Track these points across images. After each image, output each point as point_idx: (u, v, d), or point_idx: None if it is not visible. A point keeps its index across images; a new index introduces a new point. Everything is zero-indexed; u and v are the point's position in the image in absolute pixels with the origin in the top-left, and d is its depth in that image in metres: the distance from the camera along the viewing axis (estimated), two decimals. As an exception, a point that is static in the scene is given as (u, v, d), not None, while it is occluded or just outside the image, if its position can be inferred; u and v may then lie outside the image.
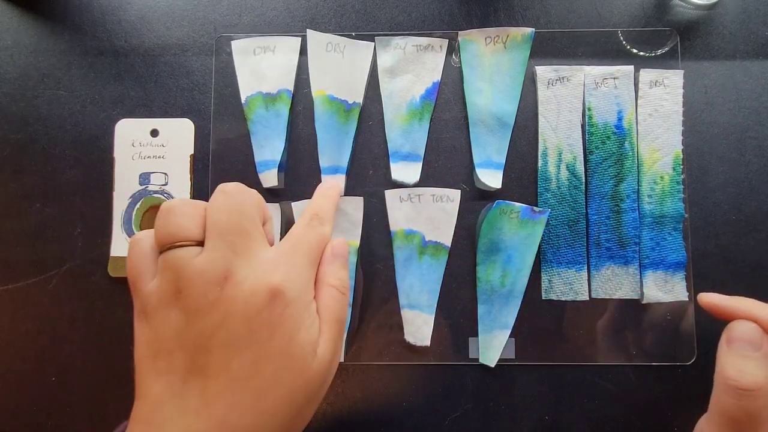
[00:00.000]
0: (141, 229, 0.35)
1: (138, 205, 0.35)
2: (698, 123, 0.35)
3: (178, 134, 0.36)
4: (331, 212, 0.29)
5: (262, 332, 0.22)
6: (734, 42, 0.36)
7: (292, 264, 0.24)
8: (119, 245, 0.35)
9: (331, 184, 0.33)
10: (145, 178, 0.36)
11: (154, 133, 0.36)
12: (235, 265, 0.23)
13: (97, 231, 0.35)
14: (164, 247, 0.23)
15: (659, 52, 0.35)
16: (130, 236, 0.35)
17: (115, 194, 0.35)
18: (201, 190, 0.35)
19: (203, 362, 0.22)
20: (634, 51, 0.35)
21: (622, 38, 0.35)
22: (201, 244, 0.23)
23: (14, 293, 0.35)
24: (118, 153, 0.36)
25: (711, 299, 0.29)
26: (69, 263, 0.35)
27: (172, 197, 0.35)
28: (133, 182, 0.35)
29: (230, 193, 0.24)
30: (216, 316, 0.22)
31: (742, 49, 0.36)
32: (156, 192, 0.35)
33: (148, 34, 0.37)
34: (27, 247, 0.35)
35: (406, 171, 0.35)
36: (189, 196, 0.35)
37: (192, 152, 0.36)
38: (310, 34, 0.35)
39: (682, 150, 0.34)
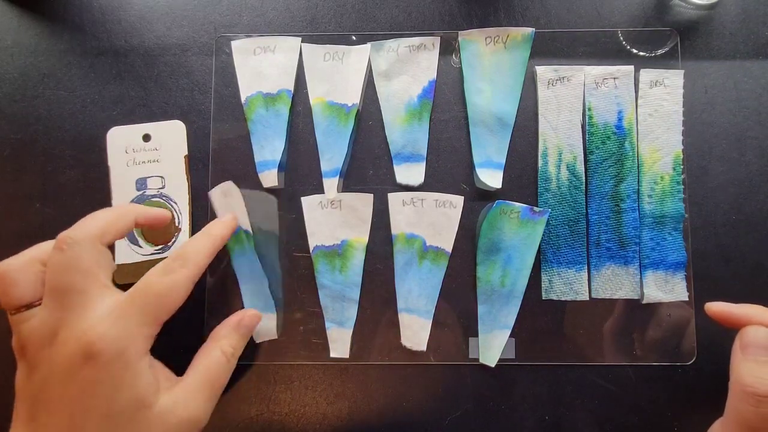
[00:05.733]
0: (142, 235, 0.35)
1: (138, 209, 0.35)
2: (698, 123, 0.35)
3: (171, 137, 0.36)
4: (203, 253, 0.27)
5: (78, 394, 0.23)
6: (734, 42, 0.36)
7: (121, 319, 0.24)
8: (122, 252, 0.35)
9: (223, 221, 0.31)
10: (141, 183, 0.35)
11: (146, 137, 0.36)
12: (65, 323, 0.24)
13: (97, 231, 0.35)
14: (7, 311, 0.25)
15: (659, 52, 0.35)
16: (131, 242, 0.35)
17: (114, 202, 0.35)
18: (200, 189, 0.35)
19: (35, 414, 0.23)
20: (634, 51, 0.35)
21: (622, 38, 0.35)
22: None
23: (14, 293, 0.35)
24: (112, 161, 0.35)
25: (719, 308, 0.28)
26: (69, 263, 0.35)
27: (172, 200, 0.35)
28: (130, 189, 0.35)
29: (66, 248, 0.25)
30: (42, 374, 0.23)
31: (742, 49, 0.36)
32: (154, 196, 0.35)
33: (148, 34, 0.37)
34: (27, 247, 0.35)
35: (410, 172, 0.35)
36: (187, 197, 0.35)
37: (186, 153, 0.36)
38: (305, 47, 0.36)
39: (682, 150, 0.34)
